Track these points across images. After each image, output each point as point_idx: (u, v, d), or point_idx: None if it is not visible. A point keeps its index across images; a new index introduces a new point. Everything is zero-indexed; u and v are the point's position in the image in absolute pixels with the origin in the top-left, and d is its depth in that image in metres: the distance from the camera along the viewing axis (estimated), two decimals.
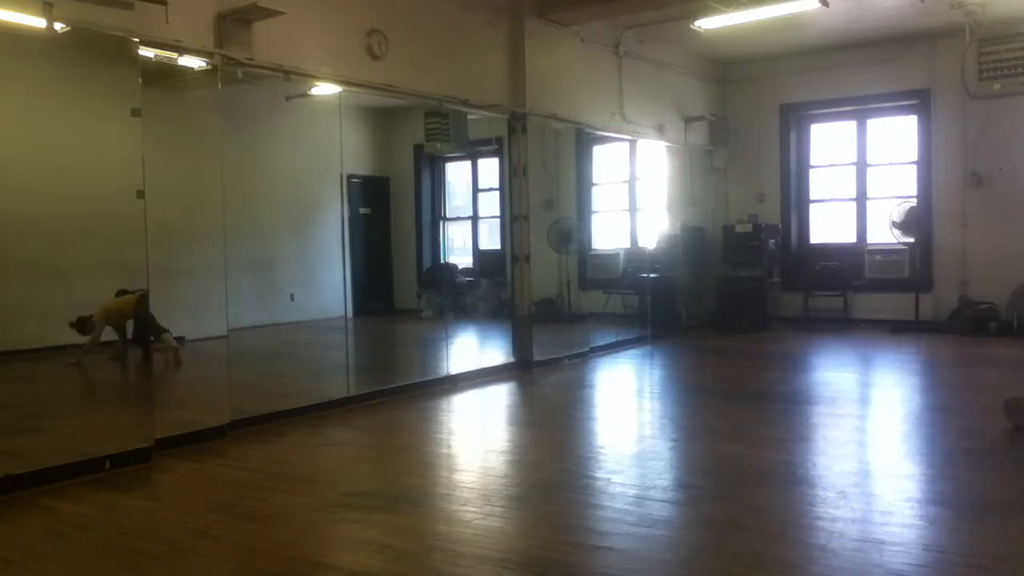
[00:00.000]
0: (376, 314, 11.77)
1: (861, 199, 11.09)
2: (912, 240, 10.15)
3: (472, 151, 10.86)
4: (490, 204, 11.85)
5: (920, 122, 10.45)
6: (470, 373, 7.62)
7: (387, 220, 12.53)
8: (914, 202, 10.34)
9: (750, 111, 11.48)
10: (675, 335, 10.21)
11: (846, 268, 10.73)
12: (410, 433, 5.85)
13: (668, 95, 10.47)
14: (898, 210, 10.15)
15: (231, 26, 5.56)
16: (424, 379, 7.29)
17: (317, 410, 6.21)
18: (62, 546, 3.62)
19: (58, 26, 4.55)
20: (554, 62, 8.46)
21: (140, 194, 4.91)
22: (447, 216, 12.56)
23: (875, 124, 10.98)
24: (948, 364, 8.01)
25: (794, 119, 11.39)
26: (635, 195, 10.93)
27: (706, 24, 8.34)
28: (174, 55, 5.32)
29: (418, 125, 8.55)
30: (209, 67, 5.53)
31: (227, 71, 5.61)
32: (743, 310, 10.58)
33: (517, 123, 8.15)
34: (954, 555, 3.24)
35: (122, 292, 7.48)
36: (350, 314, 9.11)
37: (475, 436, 5.85)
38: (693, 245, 11.00)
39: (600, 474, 4.57)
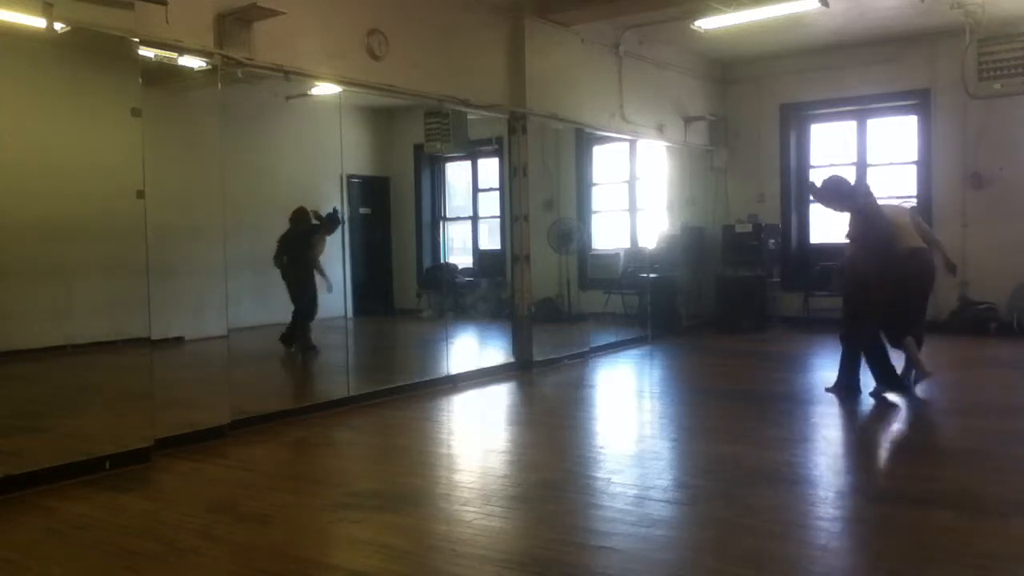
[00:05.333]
0: (376, 314, 11.76)
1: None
2: None
3: (472, 151, 10.84)
4: (490, 204, 11.84)
5: (920, 122, 10.45)
6: (470, 373, 7.62)
7: (387, 220, 12.51)
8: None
9: (750, 111, 11.47)
10: (675, 335, 10.21)
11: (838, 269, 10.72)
12: (410, 433, 5.85)
13: (668, 95, 10.47)
14: None
15: (231, 26, 5.56)
16: (424, 379, 7.29)
17: (317, 410, 6.21)
18: (62, 546, 3.62)
19: (58, 26, 4.55)
20: (554, 62, 8.46)
21: (140, 194, 4.90)
22: (447, 216, 12.55)
23: (875, 124, 10.97)
24: (948, 364, 8.00)
25: (794, 119, 11.38)
26: (635, 195, 10.93)
27: (706, 24, 8.34)
28: (174, 55, 5.32)
29: (418, 125, 8.54)
30: (209, 67, 5.53)
31: (227, 71, 5.61)
32: (743, 310, 10.58)
33: (517, 123, 8.15)
34: (954, 555, 3.24)
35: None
36: (350, 314, 9.10)
37: (475, 436, 5.85)
38: (693, 245, 11.00)
39: (600, 474, 4.57)
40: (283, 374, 8.38)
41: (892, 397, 6.21)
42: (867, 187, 6.71)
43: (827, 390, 6.48)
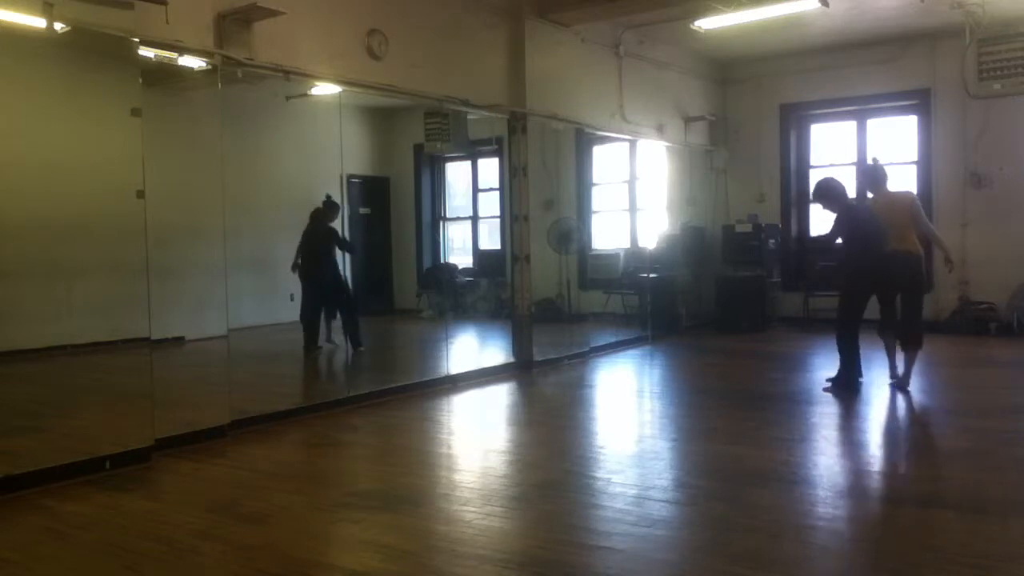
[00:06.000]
0: (376, 314, 11.76)
1: (861, 199, 11.07)
2: None
3: (472, 151, 10.85)
4: (490, 204, 11.84)
5: (920, 122, 10.45)
6: (470, 373, 7.62)
7: (387, 220, 12.51)
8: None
9: (750, 111, 11.47)
10: (675, 335, 10.21)
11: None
12: (410, 433, 5.85)
13: (668, 95, 10.47)
14: None
15: (231, 26, 5.56)
16: (424, 379, 7.29)
17: (317, 410, 6.21)
18: (62, 546, 3.62)
19: (58, 26, 4.55)
20: (554, 62, 8.46)
21: (140, 194, 4.90)
22: (447, 216, 12.56)
23: (875, 124, 10.97)
24: (948, 364, 8.01)
25: (794, 119, 11.38)
26: (635, 195, 10.93)
27: (706, 24, 8.34)
28: (174, 55, 5.32)
29: (418, 125, 8.55)
30: (209, 67, 5.53)
31: (227, 71, 5.61)
32: (743, 310, 10.57)
33: (517, 123, 8.15)
34: (954, 555, 3.24)
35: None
36: None
37: (475, 436, 5.85)
38: (693, 245, 11.00)
39: (600, 474, 4.57)
40: (283, 374, 8.37)
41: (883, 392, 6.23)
42: (878, 174, 6.89)
43: (824, 390, 6.53)
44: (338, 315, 8.84)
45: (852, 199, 6.85)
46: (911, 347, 6.51)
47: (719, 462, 4.80)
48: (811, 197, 7.07)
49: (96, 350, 6.76)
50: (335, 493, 4.32)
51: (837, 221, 6.64)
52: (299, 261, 8.70)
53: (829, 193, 6.71)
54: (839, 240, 6.67)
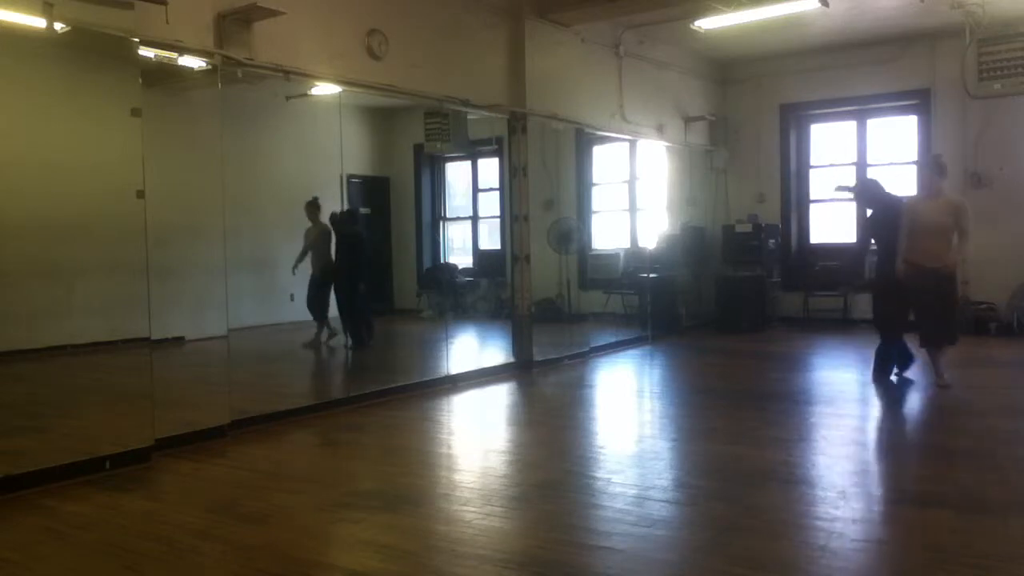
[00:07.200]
0: (376, 314, 11.75)
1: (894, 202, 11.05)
2: None
3: (472, 151, 10.85)
4: (490, 204, 11.85)
5: (920, 122, 10.45)
6: (470, 373, 7.62)
7: (387, 220, 12.52)
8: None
9: (750, 111, 11.47)
10: (675, 335, 10.21)
11: (846, 268, 10.71)
12: (410, 433, 5.85)
13: (668, 95, 10.47)
14: None
15: (231, 26, 5.56)
16: (424, 379, 7.29)
17: (317, 410, 6.21)
18: (62, 546, 3.62)
19: (58, 26, 4.55)
20: (554, 62, 8.46)
21: (140, 194, 4.90)
22: (447, 216, 12.56)
23: (875, 124, 10.97)
24: (948, 364, 7.99)
25: (794, 119, 11.38)
26: (635, 195, 10.93)
27: (706, 24, 8.34)
28: (174, 55, 5.32)
29: (418, 125, 8.55)
30: (209, 67, 5.53)
31: (227, 71, 5.61)
32: (743, 310, 10.58)
33: (517, 123, 8.15)
34: (954, 555, 3.24)
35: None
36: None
37: (475, 436, 5.85)
38: (693, 245, 11.00)
39: (600, 474, 4.57)
40: (283, 374, 8.37)
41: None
42: (941, 172, 7.12)
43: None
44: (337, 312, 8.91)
45: (893, 201, 7.11)
46: (930, 347, 6.72)
47: (719, 462, 4.80)
48: (855, 195, 7.25)
49: (96, 350, 6.77)
50: (335, 493, 4.32)
51: (875, 222, 6.93)
52: (313, 263, 8.73)
53: (877, 193, 7.08)
54: (871, 239, 7.00)
